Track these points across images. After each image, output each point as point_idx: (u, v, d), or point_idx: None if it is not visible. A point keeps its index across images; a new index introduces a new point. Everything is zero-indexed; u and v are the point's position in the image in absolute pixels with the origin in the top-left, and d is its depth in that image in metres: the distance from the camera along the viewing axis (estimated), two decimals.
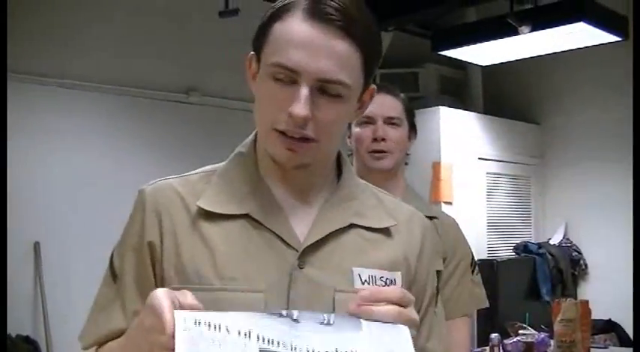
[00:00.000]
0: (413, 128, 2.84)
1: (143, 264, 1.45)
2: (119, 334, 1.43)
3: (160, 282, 1.43)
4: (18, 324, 5.04)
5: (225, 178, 1.51)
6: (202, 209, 1.45)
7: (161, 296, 1.18)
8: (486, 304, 2.85)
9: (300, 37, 1.37)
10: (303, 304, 1.37)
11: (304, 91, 1.36)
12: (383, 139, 2.64)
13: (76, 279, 5.29)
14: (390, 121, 2.68)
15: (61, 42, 5.47)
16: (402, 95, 2.79)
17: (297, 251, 1.42)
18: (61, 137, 5.57)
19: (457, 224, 2.83)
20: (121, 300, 1.46)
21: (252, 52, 1.47)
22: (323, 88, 1.37)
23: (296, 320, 1.20)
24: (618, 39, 4.96)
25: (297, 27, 1.37)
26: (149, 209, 1.47)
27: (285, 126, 1.37)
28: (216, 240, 1.42)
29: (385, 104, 2.69)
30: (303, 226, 1.46)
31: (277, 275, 1.40)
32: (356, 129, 2.71)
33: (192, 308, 1.18)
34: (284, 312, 1.21)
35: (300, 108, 1.35)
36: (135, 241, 1.47)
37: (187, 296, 1.20)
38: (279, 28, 1.39)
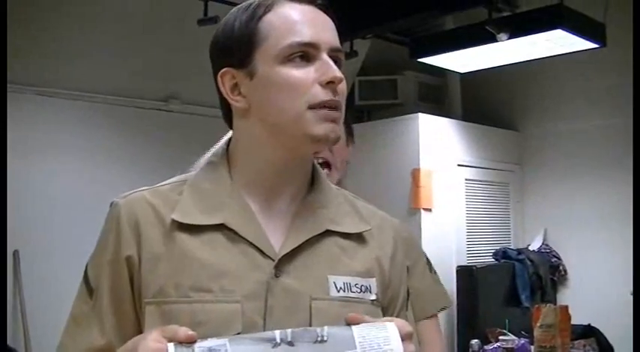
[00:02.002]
0: (350, 134, 2.64)
1: (120, 278, 1.45)
2: (97, 350, 1.44)
3: (138, 296, 1.43)
4: None
5: (197, 188, 1.51)
6: (177, 221, 1.44)
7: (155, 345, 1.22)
8: (451, 302, 2.84)
9: (303, 15, 1.46)
10: (280, 313, 1.39)
11: (328, 59, 1.44)
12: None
13: (55, 288, 5.25)
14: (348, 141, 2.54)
15: (38, 50, 5.44)
16: None
17: (272, 260, 1.43)
18: (39, 145, 5.55)
19: (406, 226, 2.82)
20: (98, 316, 1.45)
21: (224, 69, 1.49)
22: (332, 58, 1.45)
23: (290, 343, 1.21)
24: (596, 46, 4.99)
25: (294, 10, 1.46)
26: (124, 223, 1.46)
27: (324, 97, 1.42)
28: (192, 251, 1.42)
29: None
30: (277, 234, 1.47)
31: (254, 286, 1.40)
32: None
33: (188, 339, 1.21)
34: (278, 338, 1.21)
35: (338, 71, 1.43)
36: (111, 255, 1.46)
37: (180, 331, 1.22)
38: (274, 18, 1.45)
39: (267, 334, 1.23)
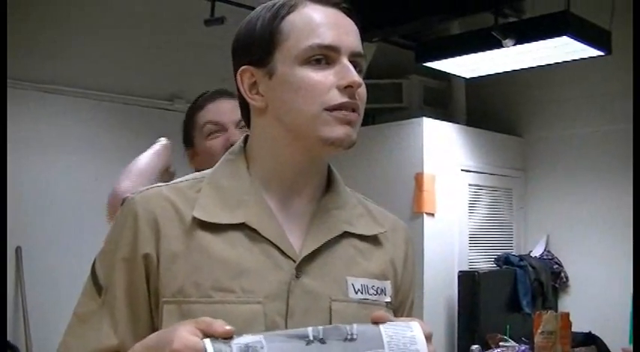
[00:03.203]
0: None
1: (135, 276, 1.42)
2: (108, 350, 1.41)
3: (154, 295, 1.41)
4: None
5: (216, 185, 1.50)
6: (198, 219, 1.43)
7: (189, 336, 1.19)
8: None
9: (326, 18, 1.45)
10: (300, 314, 1.39)
11: (348, 63, 1.44)
12: None
13: (57, 284, 5.28)
14: (241, 125, 2.51)
15: (45, 47, 5.46)
16: None
17: (293, 261, 1.42)
18: (43, 142, 5.57)
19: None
20: (110, 314, 1.42)
21: (244, 67, 1.49)
22: (353, 63, 1.45)
23: (322, 341, 1.23)
24: (601, 53, 4.99)
25: (317, 12, 1.46)
26: (142, 219, 1.43)
27: (340, 100, 1.42)
28: (213, 250, 1.41)
29: (232, 109, 2.51)
30: (295, 234, 1.47)
31: (275, 286, 1.40)
32: (206, 143, 2.59)
33: (226, 334, 1.19)
34: (311, 335, 1.23)
35: (356, 76, 1.43)
36: (126, 253, 1.43)
37: (215, 325, 1.20)
38: (297, 18, 1.45)
39: (300, 331, 1.24)
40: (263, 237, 1.44)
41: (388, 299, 1.53)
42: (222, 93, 2.63)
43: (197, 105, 2.66)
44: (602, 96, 6.21)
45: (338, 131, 1.43)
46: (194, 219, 1.43)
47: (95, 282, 1.46)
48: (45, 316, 5.18)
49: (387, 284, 1.54)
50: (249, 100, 1.51)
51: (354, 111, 1.45)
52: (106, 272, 1.45)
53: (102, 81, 5.86)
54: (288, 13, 1.46)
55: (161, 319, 1.39)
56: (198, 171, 2.55)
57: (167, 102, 6.27)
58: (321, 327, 1.25)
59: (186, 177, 1.57)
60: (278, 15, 1.46)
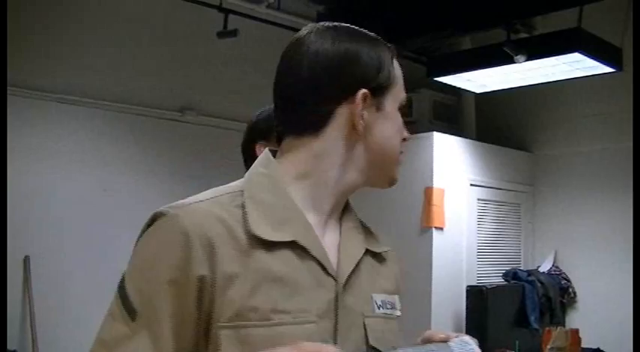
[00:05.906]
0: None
1: (186, 300, 1.28)
2: None
3: (205, 320, 1.29)
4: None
5: (257, 201, 1.41)
6: (255, 236, 1.35)
7: None
8: None
9: None
10: (344, 330, 1.41)
11: None
12: None
13: (65, 294, 5.27)
14: None
15: (57, 58, 5.49)
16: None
17: (334, 279, 1.42)
18: (53, 152, 5.57)
19: None
20: (153, 341, 1.28)
21: (365, 90, 1.48)
22: None
23: None
24: (613, 70, 4.99)
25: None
26: (194, 238, 1.30)
27: (402, 149, 1.59)
28: (270, 270, 1.34)
29: None
30: (330, 253, 1.46)
31: (324, 305, 1.39)
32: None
33: None
34: None
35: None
36: (175, 275, 1.29)
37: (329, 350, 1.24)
38: (396, 68, 1.56)
39: None
40: (311, 255, 1.40)
41: (399, 313, 1.56)
42: None
43: (259, 131, 2.36)
44: (613, 113, 6.21)
45: (398, 174, 1.59)
46: (250, 236, 1.35)
47: (127, 306, 1.31)
48: (52, 324, 5.18)
49: (397, 299, 1.58)
50: (356, 121, 1.47)
51: None
52: (144, 294, 1.31)
53: (112, 91, 5.87)
54: (392, 57, 1.57)
55: (218, 345, 1.29)
56: None
57: (177, 114, 6.28)
58: (410, 348, 1.36)
59: (219, 190, 1.45)
60: (390, 56, 1.56)
